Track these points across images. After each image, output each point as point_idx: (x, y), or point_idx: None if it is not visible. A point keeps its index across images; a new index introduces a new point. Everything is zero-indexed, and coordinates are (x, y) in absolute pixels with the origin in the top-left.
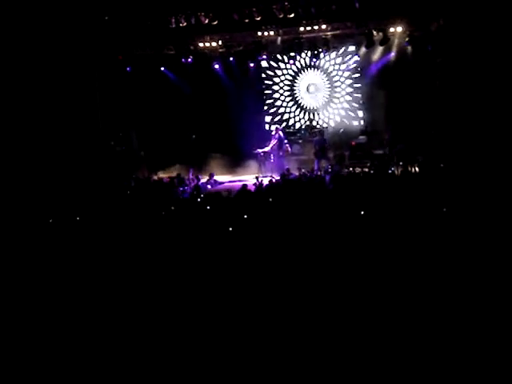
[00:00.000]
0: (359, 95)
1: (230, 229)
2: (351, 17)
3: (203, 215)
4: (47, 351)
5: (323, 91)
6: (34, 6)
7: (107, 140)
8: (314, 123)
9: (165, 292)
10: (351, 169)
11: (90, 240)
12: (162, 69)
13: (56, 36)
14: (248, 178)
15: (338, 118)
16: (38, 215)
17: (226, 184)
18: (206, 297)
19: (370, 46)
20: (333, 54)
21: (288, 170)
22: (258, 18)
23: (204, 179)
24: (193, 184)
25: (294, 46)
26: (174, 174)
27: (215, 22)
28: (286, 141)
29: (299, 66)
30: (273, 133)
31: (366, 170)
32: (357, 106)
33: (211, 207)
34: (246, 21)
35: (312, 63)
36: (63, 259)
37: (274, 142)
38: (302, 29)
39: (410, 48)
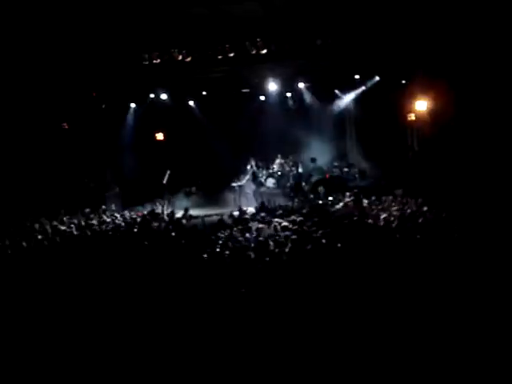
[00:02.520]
0: (334, 127)
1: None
2: (324, 52)
3: (178, 248)
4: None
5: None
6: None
7: (81, 176)
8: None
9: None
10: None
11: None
12: (133, 105)
13: (28, 74)
14: (224, 211)
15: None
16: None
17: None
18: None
19: (343, 79)
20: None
21: (262, 203)
22: (231, 54)
23: (179, 214)
24: (168, 219)
25: (268, 79)
26: (147, 210)
27: (188, 59)
28: (260, 174)
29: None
30: (248, 167)
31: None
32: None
33: (186, 240)
34: (220, 57)
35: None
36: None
37: (248, 175)
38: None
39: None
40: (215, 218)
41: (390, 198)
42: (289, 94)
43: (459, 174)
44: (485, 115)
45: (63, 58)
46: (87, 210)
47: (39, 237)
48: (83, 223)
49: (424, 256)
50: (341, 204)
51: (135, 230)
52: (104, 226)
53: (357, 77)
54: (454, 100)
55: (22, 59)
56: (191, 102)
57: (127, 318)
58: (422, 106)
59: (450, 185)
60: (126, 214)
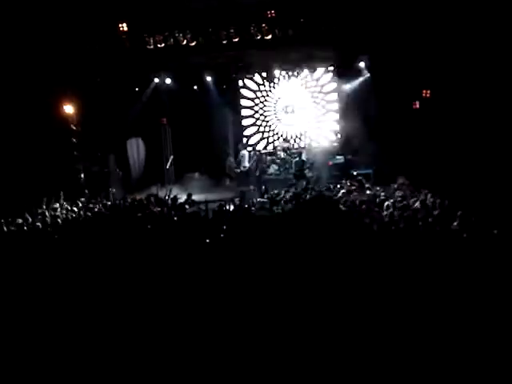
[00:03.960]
0: (336, 115)
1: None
2: (328, 39)
3: (181, 233)
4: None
5: (300, 112)
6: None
7: (84, 160)
8: (292, 143)
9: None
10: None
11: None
12: (137, 89)
13: (32, 57)
14: (226, 197)
15: (315, 139)
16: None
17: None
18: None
19: (348, 66)
20: (310, 75)
21: (266, 189)
22: (236, 40)
23: (182, 199)
24: (170, 204)
25: (272, 66)
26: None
27: (193, 43)
28: (264, 161)
29: (276, 87)
30: (251, 153)
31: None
32: (334, 126)
33: (189, 226)
34: (224, 42)
35: (289, 84)
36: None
37: (251, 162)
38: (279, 50)
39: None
40: (218, 203)
41: (395, 186)
42: (294, 80)
43: (464, 164)
44: (491, 104)
45: (66, 43)
46: (86, 192)
47: (39, 221)
48: (84, 207)
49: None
50: (342, 191)
51: (138, 214)
52: (105, 210)
53: (362, 64)
54: (459, 88)
55: (23, 42)
56: (195, 87)
57: (128, 303)
58: (424, 93)
59: (454, 174)
60: (128, 198)
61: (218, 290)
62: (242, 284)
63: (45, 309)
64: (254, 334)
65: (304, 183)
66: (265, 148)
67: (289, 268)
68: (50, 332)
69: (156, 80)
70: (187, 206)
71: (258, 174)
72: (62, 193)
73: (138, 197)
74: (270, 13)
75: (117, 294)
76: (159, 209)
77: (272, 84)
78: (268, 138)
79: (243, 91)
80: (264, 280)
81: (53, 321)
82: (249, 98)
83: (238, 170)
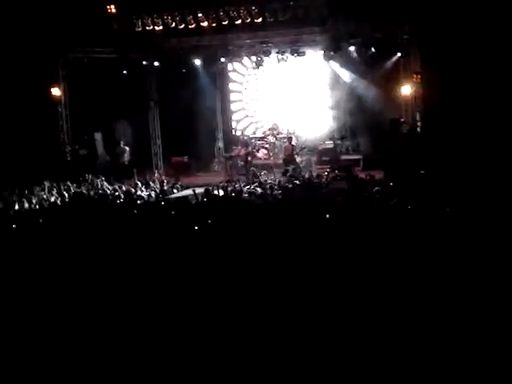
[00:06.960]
0: (326, 100)
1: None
2: (318, 23)
3: (168, 219)
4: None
5: (290, 96)
6: None
7: (71, 143)
8: (281, 128)
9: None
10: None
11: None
12: (125, 72)
13: (19, 39)
14: (215, 182)
15: (305, 124)
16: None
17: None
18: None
19: (337, 51)
20: (300, 59)
21: (254, 175)
22: (225, 22)
23: (170, 183)
24: (158, 188)
25: (261, 49)
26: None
27: (182, 26)
28: (253, 146)
29: (266, 71)
30: (240, 138)
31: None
32: (325, 111)
33: (177, 211)
34: (213, 25)
35: (279, 68)
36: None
37: (240, 147)
38: (269, 33)
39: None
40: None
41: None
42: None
43: (455, 150)
44: (483, 90)
45: (53, 23)
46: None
47: (26, 205)
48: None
49: (415, 227)
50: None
51: (125, 199)
52: (93, 194)
53: (352, 48)
54: (450, 75)
55: (10, 23)
56: (184, 70)
57: (117, 291)
58: (417, 80)
59: (445, 160)
60: (116, 183)
61: (209, 278)
62: (232, 272)
63: (30, 294)
64: (245, 324)
65: (293, 168)
66: (254, 133)
67: (280, 256)
68: (37, 320)
69: (144, 63)
70: (175, 191)
71: (249, 158)
72: (47, 178)
73: (125, 181)
74: None
75: (104, 281)
76: (146, 193)
77: (261, 68)
78: (257, 122)
79: (232, 75)
80: (255, 267)
81: (40, 309)
82: (238, 82)
83: (226, 155)
